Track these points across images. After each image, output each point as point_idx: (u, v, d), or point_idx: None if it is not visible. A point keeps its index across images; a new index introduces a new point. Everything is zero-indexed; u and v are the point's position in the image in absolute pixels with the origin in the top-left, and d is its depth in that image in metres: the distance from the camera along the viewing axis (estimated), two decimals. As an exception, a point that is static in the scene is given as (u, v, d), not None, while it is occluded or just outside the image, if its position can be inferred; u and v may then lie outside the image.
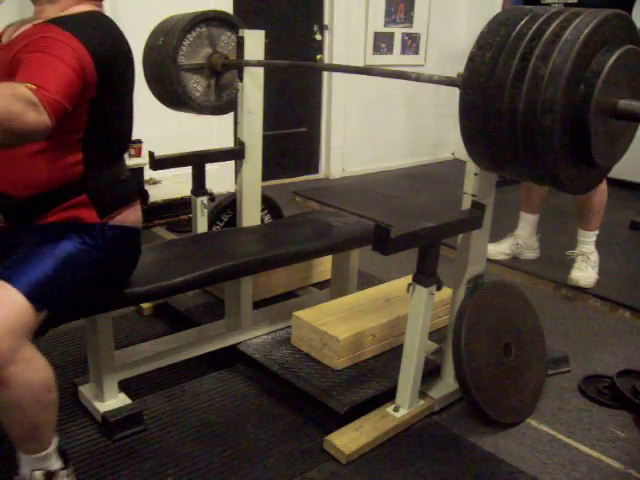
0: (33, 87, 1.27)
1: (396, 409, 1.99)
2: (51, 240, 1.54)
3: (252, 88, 2.54)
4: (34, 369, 1.42)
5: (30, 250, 1.51)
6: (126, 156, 3.76)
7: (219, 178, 4.08)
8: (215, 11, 2.64)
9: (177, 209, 3.79)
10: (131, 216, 1.70)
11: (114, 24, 1.59)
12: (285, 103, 4.99)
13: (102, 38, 1.51)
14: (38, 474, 1.51)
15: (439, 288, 1.89)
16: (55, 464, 1.55)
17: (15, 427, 1.46)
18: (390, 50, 5.45)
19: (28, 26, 1.53)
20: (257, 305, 2.50)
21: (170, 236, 3.63)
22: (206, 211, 2.66)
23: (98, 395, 1.99)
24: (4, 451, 1.75)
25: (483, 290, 2.02)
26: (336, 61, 5.02)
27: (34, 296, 1.43)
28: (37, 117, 1.25)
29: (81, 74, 1.41)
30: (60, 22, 1.47)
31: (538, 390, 2.16)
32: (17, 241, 1.55)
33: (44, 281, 1.47)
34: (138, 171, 3.74)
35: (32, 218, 1.58)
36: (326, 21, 5.04)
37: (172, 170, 3.44)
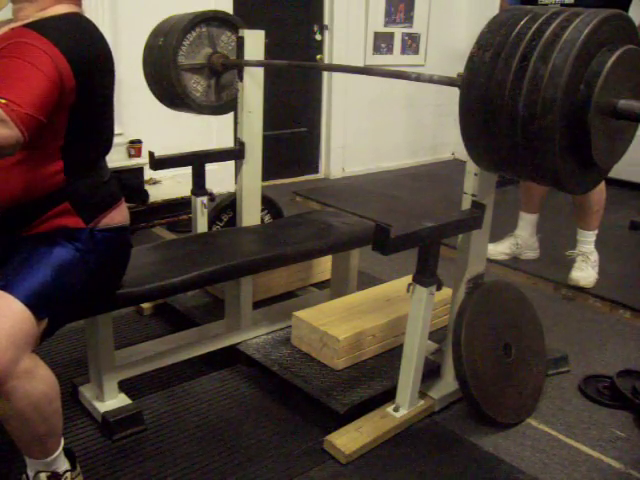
0: (3, 102, 1.24)
1: (396, 409, 1.99)
2: (44, 248, 1.52)
3: (252, 88, 2.54)
4: (36, 381, 1.39)
5: (25, 259, 1.49)
6: (126, 156, 3.80)
7: (219, 178, 4.08)
8: (215, 11, 2.64)
9: (177, 209, 3.79)
10: (117, 217, 1.68)
11: (93, 26, 1.56)
12: (285, 103, 4.99)
13: (80, 43, 1.48)
14: (43, 476, 1.50)
15: (439, 288, 1.89)
16: (61, 466, 1.54)
17: (19, 436, 1.45)
18: (390, 50, 5.45)
19: (5, 29, 1.50)
20: (257, 305, 2.50)
21: (170, 236, 3.63)
22: (206, 211, 2.66)
23: (98, 395, 1.98)
24: (10, 453, 1.76)
25: (483, 290, 2.02)
26: (336, 61, 5.02)
27: (34, 304, 1.41)
28: (6, 132, 1.23)
29: (58, 82, 1.38)
30: (37, 27, 1.44)
31: (538, 390, 2.16)
32: (8, 253, 1.52)
33: (43, 289, 1.45)
34: (138, 171, 3.74)
35: (17, 230, 1.55)
36: (326, 21, 5.04)
37: (172, 170, 3.45)
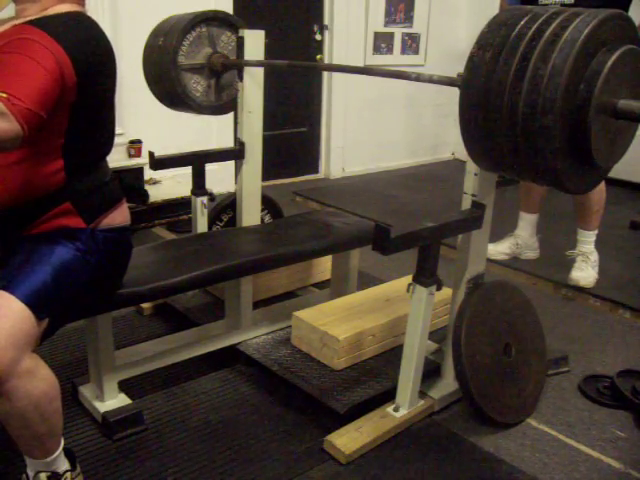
0: (4, 96, 1.24)
1: (396, 409, 1.99)
2: (45, 248, 1.51)
3: (252, 88, 2.54)
4: (37, 380, 1.39)
5: (25, 259, 1.48)
6: (126, 156, 3.81)
7: (219, 178, 4.08)
8: (215, 11, 2.64)
9: (177, 209, 3.79)
10: (118, 217, 1.68)
11: (95, 25, 1.56)
12: (285, 103, 5.00)
13: (82, 40, 1.48)
14: (43, 476, 1.50)
15: (439, 288, 1.89)
16: (61, 466, 1.54)
17: (19, 436, 1.45)
18: (390, 50, 5.45)
19: (7, 26, 1.50)
20: (257, 305, 2.50)
21: (170, 236, 3.63)
22: (206, 211, 2.66)
23: (98, 395, 1.99)
24: (10, 453, 1.76)
25: (483, 290, 2.02)
26: (336, 61, 5.02)
27: (35, 304, 1.40)
28: (6, 126, 1.23)
29: (59, 78, 1.38)
30: (40, 24, 1.44)
31: (538, 390, 2.16)
32: (9, 253, 1.52)
33: (44, 289, 1.44)
34: (138, 171, 3.74)
35: (17, 230, 1.54)
36: (326, 21, 5.04)
37: (172, 170, 3.45)
